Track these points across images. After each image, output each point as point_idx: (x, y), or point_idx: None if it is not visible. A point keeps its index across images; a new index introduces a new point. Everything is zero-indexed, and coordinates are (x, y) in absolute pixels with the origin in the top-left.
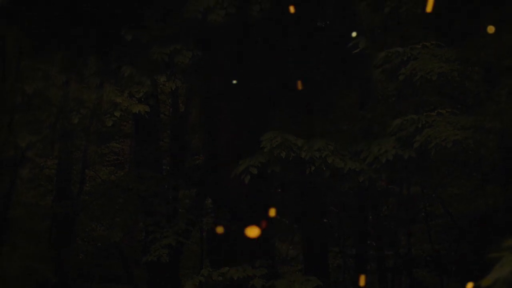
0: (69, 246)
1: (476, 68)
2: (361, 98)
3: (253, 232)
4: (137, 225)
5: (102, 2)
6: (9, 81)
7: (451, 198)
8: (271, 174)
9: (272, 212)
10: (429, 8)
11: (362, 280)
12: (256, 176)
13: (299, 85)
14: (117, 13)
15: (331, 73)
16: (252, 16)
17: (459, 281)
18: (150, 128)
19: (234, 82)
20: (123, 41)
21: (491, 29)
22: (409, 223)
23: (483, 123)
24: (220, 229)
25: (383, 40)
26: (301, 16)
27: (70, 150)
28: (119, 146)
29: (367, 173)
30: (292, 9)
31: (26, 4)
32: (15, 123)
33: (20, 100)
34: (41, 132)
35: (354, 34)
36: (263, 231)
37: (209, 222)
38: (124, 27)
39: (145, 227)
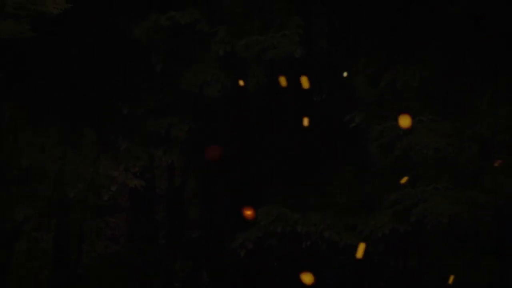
0: None
1: (471, 142)
2: (357, 170)
3: None
4: None
5: (98, 75)
6: (5, 154)
7: (448, 271)
8: (267, 247)
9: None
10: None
11: None
12: (252, 249)
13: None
14: (113, 87)
15: (327, 146)
16: (248, 90)
17: None
18: (146, 201)
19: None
20: (120, 114)
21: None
22: None
23: (478, 197)
24: None
25: (379, 114)
26: (297, 90)
27: (67, 224)
28: (114, 221)
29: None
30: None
31: (21, 78)
32: (11, 196)
33: (16, 173)
34: (37, 205)
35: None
36: None
37: None
38: (120, 101)
39: None
